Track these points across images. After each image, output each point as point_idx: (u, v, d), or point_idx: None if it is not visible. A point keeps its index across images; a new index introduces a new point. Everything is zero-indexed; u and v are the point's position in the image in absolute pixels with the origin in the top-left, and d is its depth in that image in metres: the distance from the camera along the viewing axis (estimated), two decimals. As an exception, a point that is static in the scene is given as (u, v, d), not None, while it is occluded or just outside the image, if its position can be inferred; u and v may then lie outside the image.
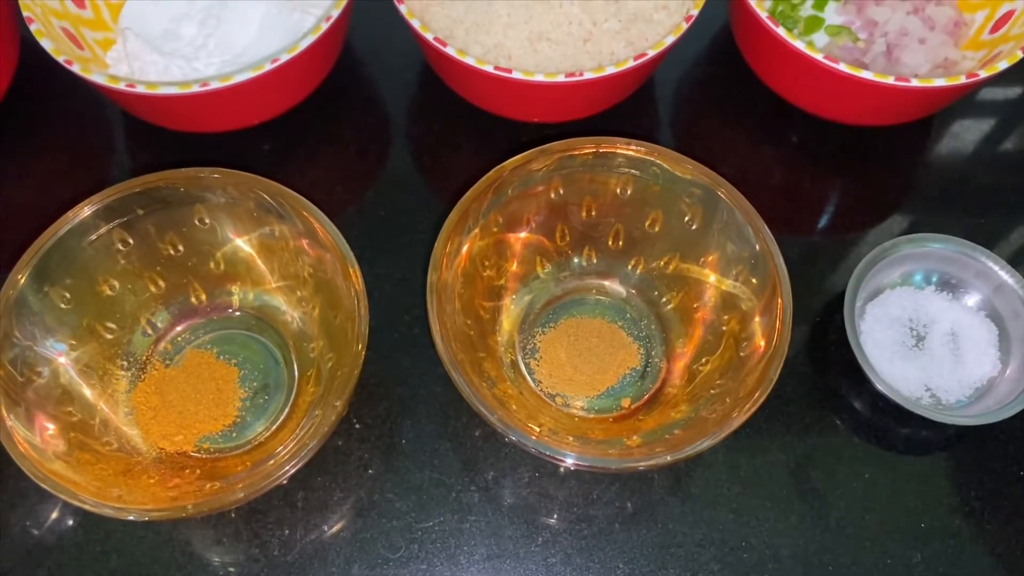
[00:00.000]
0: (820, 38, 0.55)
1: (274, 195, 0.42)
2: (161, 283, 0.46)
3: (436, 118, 0.54)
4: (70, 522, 0.43)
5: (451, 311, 0.41)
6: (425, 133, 0.54)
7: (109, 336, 0.44)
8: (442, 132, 0.54)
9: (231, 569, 0.43)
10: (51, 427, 0.40)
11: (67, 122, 0.54)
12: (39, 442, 0.38)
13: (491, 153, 0.50)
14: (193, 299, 0.47)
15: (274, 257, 0.45)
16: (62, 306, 0.42)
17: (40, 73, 0.54)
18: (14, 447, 0.37)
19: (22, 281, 0.40)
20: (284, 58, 0.45)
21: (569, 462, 0.38)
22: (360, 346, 0.39)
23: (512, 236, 0.46)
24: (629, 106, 0.53)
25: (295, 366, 0.46)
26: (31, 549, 0.43)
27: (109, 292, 0.44)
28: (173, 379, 0.45)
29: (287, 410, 0.45)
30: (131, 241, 0.43)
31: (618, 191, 0.45)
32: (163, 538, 0.43)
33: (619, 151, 0.43)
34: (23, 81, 0.53)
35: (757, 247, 0.42)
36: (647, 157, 0.43)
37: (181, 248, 0.45)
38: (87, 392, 0.43)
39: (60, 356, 0.42)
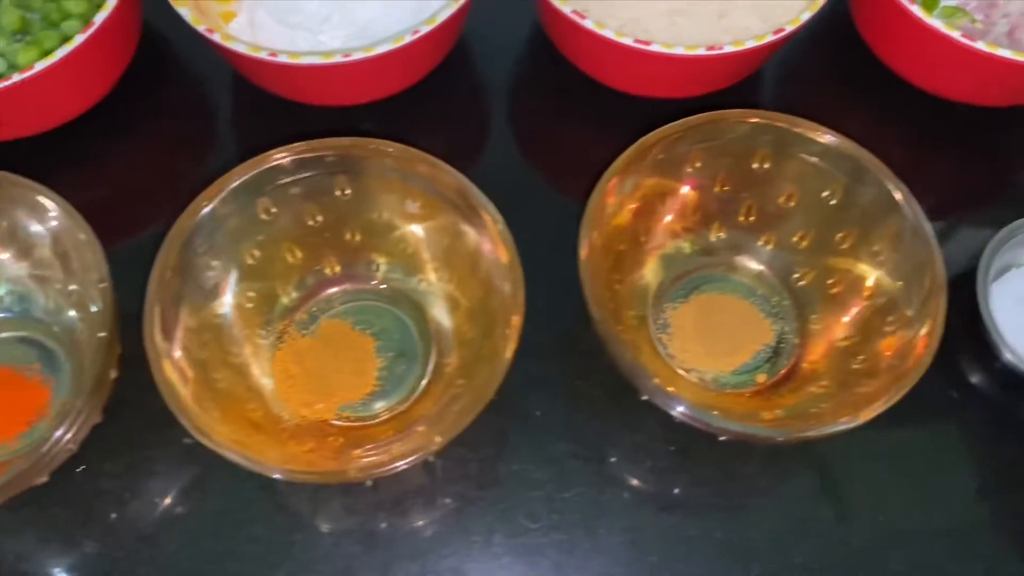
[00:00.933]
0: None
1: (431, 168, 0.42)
2: (298, 253, 0.46)
3: (553, 94, 0.55)
4: (210, 490, 0.44)
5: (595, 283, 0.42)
6: (542, 110, 0.55)
7: (250, 306, 0.45)
8: (562, 109, 0.54)
9: (371, 538, 0.43)
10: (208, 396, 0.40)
11: (187, 95, 0.55)
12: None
13: (616, 132, 0.50)
14: (328, 270, 0.47)
15: (421, 231, 0.45)
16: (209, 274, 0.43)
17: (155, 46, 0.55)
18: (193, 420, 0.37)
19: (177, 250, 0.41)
20: (424, 30, 0.45)
21: (717, 425, 0.38)
22: (510, 327, 0.39)
23: (649, 210, 0.46)
24: (744, 85, 0.53)
25: (432, 338, 0.46)
26: (174, 518, 0.43)
27: (251, 261, 0.44)
28: (311, 348, 0.45)
29: (425, 381, 0.45)
30: (274, 209, 0.44)
31: (755, 165, 0.45)
32: (301, 506, 0.44)
33: (767, 123, 0.43)
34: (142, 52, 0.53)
35: (903, 223, 0.42)
36: (791, 129, 0.43)
37: (320, 218, 0.45)
38: (234, 361, 0.43)
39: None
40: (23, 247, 0.44)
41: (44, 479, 0.39)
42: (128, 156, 0.53)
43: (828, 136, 0.43)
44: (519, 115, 0.55)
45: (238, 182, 0.41)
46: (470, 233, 0.42)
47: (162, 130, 0.54)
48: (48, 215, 0.41)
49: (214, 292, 0.43)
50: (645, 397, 0.39)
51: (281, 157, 0.42)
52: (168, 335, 0.39)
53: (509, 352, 0.38)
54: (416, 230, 0.45)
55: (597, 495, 0.44)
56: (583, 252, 0.40)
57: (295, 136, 0.43)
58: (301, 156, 0.42)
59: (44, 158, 0.50)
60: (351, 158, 0.43)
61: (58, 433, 0.37)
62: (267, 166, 0.42)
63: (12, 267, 0.44)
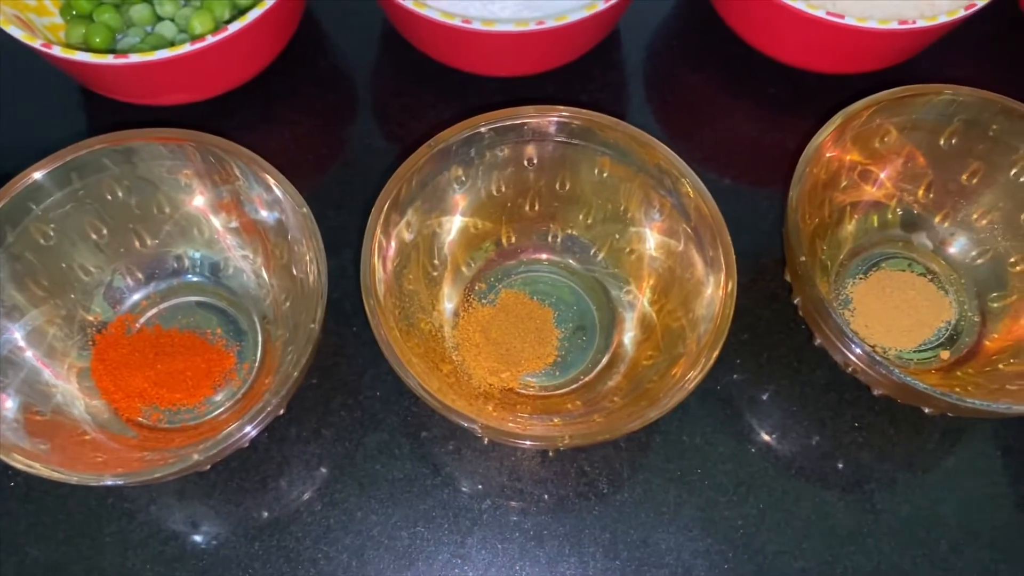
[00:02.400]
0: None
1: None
2: (480, 224, 0.46)
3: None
4: (400, 455, 0.44)
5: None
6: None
7: (435, 273, 0.45)
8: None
9: (564, 502, 0.43)
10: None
11: (345, 63, 0.55)
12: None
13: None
14: (504, 240, 0.47)
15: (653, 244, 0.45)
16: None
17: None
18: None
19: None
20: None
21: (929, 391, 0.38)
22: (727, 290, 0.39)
23: (835, 184, 0.45)
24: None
25: (610, 310, 0.46)
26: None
27: (436, 229, 0.44)
28: (493, 317, 0.45)
29: (608, 354, 0.45)
30: (465, 179, 0.44)
31: (942, 142, 0.45)
32: (490, 472, 0.44)
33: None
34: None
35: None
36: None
37: (504, 189, 0.45)
38: (425, 327, 0.43)
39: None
40: (235, 217, 0.44)
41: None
42: (295, 120, 0.53)
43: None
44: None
45: (440, 147, 0.41)
46: (697, 287, 0.41)
47: (323, 96, 0.53)
48: (271, 193, 0.41)
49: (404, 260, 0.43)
50: (850, 364, 0.39)
51: (486, 124, 0.41)
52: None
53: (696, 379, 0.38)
54: (650, 242, 0.44)
55: (784, 469, 0.44)
56: (792, 212, 0.40)
57: (456, 103, 0.42)
58: (501, 124, 0.42)
59: (219, 121, 0.50)
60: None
61: (273, 400, 0.37)
62: (468, 133, 0.41)
63: (220, 234, 0.45)
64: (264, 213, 0.42)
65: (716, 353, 0.38)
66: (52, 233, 0.42)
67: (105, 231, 0.43)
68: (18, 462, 0.36)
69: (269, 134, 0.51)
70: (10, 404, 0.39)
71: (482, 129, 0.42)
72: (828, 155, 0.43)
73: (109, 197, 0.42)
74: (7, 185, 0.39)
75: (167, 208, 0.44)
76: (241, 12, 0.51)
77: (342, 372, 0.45)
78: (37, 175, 0.40)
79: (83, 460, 0.39)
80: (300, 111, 0.52)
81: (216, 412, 0.43)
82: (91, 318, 0.44)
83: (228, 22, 0.50)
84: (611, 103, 0.54)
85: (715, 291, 0.40)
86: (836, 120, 0.42)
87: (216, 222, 0.44)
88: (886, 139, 0.45)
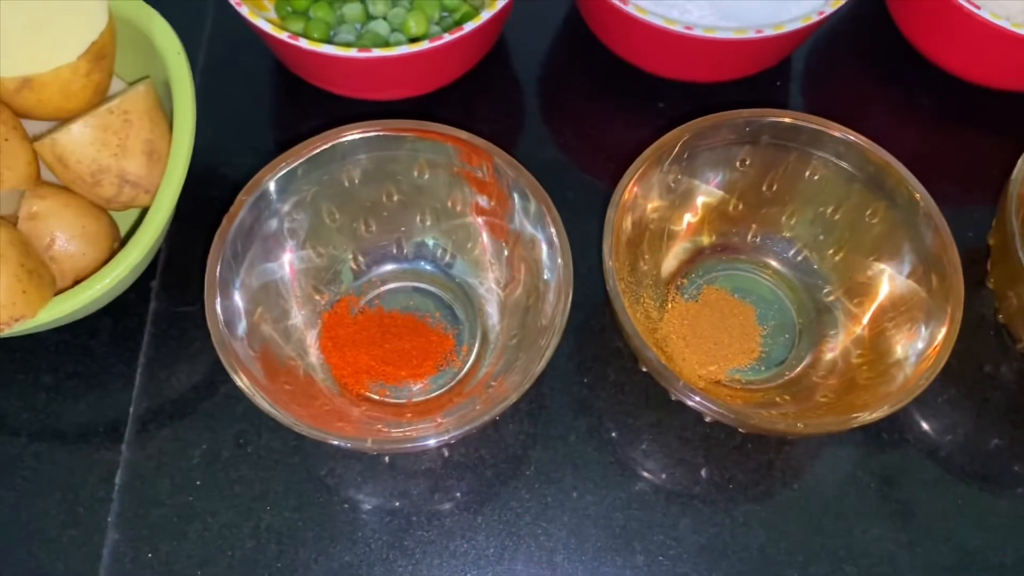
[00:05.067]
0: None
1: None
2: (681, 227, 0.48)
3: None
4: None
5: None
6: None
7: (645, 267, 0.47)
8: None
9: (751, 491, 0.45)
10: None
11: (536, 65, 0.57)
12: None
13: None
14: (705, 240, 0.49)
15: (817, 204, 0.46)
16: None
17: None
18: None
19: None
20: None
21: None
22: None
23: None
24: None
25: (808, 310, 0.47)
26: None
27: (652, 227, 0.46)
28: (697, 312, 0.47)
29: (810, 354, 0.46)
30: (679, 180, 0.46)
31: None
32: (700, 452, 0.46)
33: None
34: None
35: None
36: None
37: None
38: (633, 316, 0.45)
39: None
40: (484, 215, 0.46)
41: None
42: (492, 119, 0.55)
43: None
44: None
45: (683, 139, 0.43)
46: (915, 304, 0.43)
47: (518, 97, 0.56)
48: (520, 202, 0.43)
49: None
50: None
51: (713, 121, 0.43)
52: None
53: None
54: (873, 255, 0.45)
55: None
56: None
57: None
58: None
59: (427, 115, 0.52)
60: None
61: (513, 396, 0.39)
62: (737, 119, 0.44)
63: (463, 229, 0.47)
64: (510, 219, 0.44)
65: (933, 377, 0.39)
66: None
67: (339, 215, 0.46)
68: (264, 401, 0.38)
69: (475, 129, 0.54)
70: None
71: (732, 123, 0.44)
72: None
73: (346, 183, 0.45)
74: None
75: (397, 196, 0.46)
76: (447, 10, 0.53)
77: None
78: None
79: (323, 420, 0.41)
80: (497, 110, 0.55)
81: (439, 391, 0.45)
82: (317, 297, 0.46)
83: (439, 23, 0.53)
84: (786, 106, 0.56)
85: (939, 316, 0.41)
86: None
87: (454, 218, 0.46)
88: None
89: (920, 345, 0.41)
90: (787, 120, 0.43)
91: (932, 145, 0.54)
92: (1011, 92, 0.53)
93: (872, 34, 0.57)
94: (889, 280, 0.44)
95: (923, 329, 0.42)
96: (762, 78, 0.54)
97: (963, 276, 0.41)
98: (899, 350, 0.42)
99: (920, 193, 0.42)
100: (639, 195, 0.43)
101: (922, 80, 0.55)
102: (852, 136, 0.43)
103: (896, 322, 0.43)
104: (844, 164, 0.44)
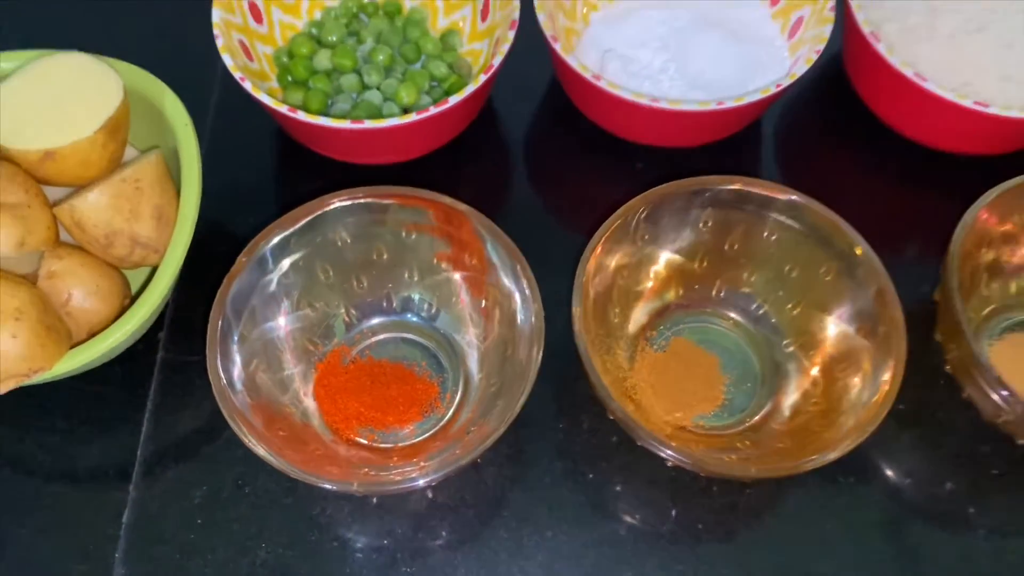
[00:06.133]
0: None
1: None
2: (648, 284, 0.51)
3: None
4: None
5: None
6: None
7: (616, 320, 0.50)
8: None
9: (717, 531, 0.48)
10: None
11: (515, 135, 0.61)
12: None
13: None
14: (672, 295, 0.52)
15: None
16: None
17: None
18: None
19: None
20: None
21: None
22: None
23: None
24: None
25: (767, 360, 0.51)
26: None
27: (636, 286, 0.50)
28: (665, 362, 0.50)
29: (771, 402, 0.50)
30: (644, 241, 0.49)
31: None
32: (666, 495, 0.49)
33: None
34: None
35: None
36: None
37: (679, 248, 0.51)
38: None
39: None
40: (464, 271, 0.50)
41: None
42: (479, 180, 0.59)
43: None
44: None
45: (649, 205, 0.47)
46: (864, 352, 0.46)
47: (503, 161, 0.60)
48: (502, 262, 0.47)
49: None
50: (1001, 414, 0.44)
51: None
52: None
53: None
54: (827, 309, 0.49)
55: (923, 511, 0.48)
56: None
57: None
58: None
59: (418, 177, 0.56)
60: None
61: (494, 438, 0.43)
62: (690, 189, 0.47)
63: (444, 284, 0.51)
64: (491, 274, 0.48)
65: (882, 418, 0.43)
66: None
67: (332, 273, 0.49)
68: (260, 449, 0.41)
69: (456, 194, 0.58)
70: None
71: (692, 191, 0.48)
72: (980, 227, 0.48)
73: (338, 243, 0.49)
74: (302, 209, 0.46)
75: (386, 255, 0.50)
76: (436, 80, 0.58)
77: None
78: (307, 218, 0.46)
79: (314, 464, 0.44)
80: (483, 173, 0.59)
81: (424, 436, 0.49)
82: (312, 347, 0.50)
83: (428, 92, 0.57)
84: (750, 169, 0.60)
85: (886, 362, 0.44)
86: (990, 195, 0.47)
87: (437, 274, 0.50)
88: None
89: (867, 394, 0.45)
90: (736, 187, 0.47)
91: (891, 204, 0.58)
92: (963, 154, 0.57)
93: (835, 100, 0.61)
94: (840, 333, 0.48)
95: (870, 379, 0.45)
96: (735, 140, 0.58)
97: (918, 328, 0.45)
98: (849, 399, 0.46)
99: (863, 249, 0.46)
100: (606, 259, 0.47)
101: (881, 143, 0.59)
102: (799, 198, 0.47)
103: (846, 372, 0.46)
104: (796, 224, 0.48)
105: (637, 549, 0.47)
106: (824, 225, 0.47)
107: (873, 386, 0.44)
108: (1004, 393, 0.44)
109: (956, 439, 0.50)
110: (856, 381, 0.46)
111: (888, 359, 0.44)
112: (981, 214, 0.47)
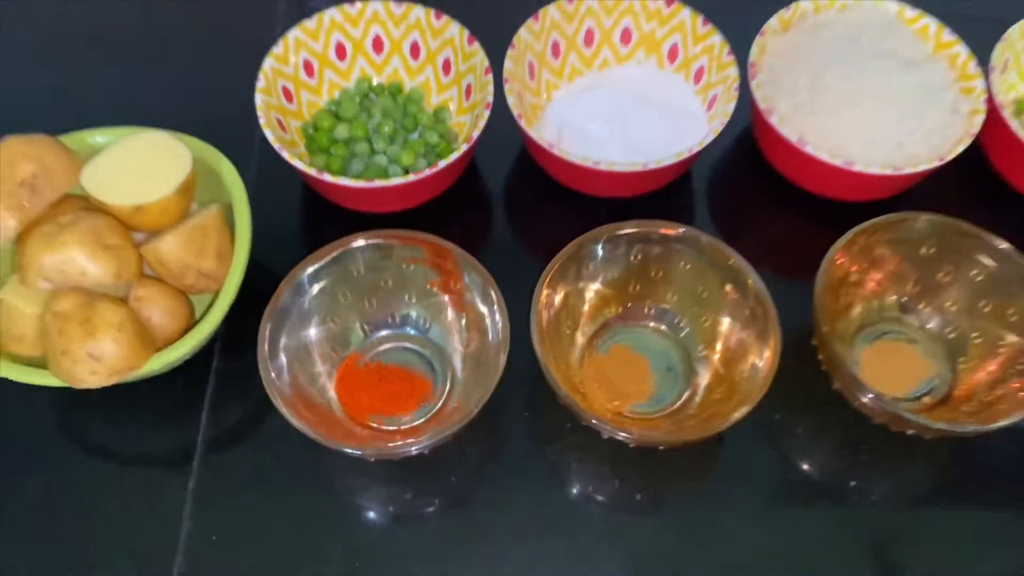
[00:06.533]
0: None
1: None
2: (593, 304, 0.66)
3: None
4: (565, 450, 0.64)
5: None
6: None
7: (568, 332, 0.65)
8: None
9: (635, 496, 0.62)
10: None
11: (498, 189, 0.76)
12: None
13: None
14: (614, 309, 0.67)
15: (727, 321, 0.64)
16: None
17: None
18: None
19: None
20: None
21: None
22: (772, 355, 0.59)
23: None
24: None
25: (686, 361, 0.65)
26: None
27: (581, 305, 0.65)
28: (606, 363, 0.65)
29: (688, 392, 0.64)
30: (594, 269, 0.64)
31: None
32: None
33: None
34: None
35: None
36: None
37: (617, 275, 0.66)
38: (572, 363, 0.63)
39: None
40: (448, 294, 0.65)
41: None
42: (464, 224, 0.74)
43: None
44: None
45: (579, 247, 0.62)
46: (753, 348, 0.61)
47: (482, 210, 0.75)
48: (475, 282, 0.62)
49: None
50: (856, 401, 0.58)
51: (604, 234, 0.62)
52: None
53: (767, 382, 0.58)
54: (725, 319, 0.64)
55: (809, 488, 0.63)
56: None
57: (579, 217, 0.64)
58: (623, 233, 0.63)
59: (416, 222, 0.71)
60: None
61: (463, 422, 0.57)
62: (606, 237, 0.62)
63: (437, 305, 0.66)
64: (469, 298, 0.63)
65: (764, 393, 0.57)
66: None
67: (349, 296, 0.64)
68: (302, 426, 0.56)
69: (445, 235, 0.73)
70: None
71: (619, 233, 0.63)
72: (839, 260, 0.63)
73: (354, 274, 0.64)
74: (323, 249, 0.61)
75: (391, 282, 0.65)
76: (429, 147, 0.73)
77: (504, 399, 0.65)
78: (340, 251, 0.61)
79: (337, 438, 0.59)
80: (467, 222, 0.74)
81: (420, 420, 0.63)
82: (334, 354, 0.65)
83: (424, 155, 0.73)
84: (682, 216, 0.75)
85: (765, 353, 0.59)
86: (847, 236, 0.62)
87: (431, 297, 0.65)
88: (881, 249, 0.65)
89: (753, 375, 0.59)
90: (657, 230, 0.62)
91: (786, 237, 0.73)
92: (840, 200, 0.72)
93: (748, 159, 0.77)
94: (735, 335, 0.62)
95: (756, 365, 0.60)
96: (669, 190, 0.73)
97: (801, 335, 0.59)
98: (742, 382, 0.60)
99: (752, 280, 0.60)
100: (554, 288, 0.62)
101: (779, 191, 0.74)
102: (705, 237, 0.62)
103: (740, 363, 0.61)
104: (704, 257, 0.63)
105: (587, 510, 0.62)
106: (720, 254, 0.62)
107: (757, 370, 0.59)
108: (864, 388, 0.59)
109: (828, 420, 0.65)
110: (746, 367, 0.60)
111: (766, 349, 0.59)
112: (837, 256, 0.62)
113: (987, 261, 0.63)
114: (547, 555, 0.60)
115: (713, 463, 0.64)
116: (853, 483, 0.63)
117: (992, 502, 0.63)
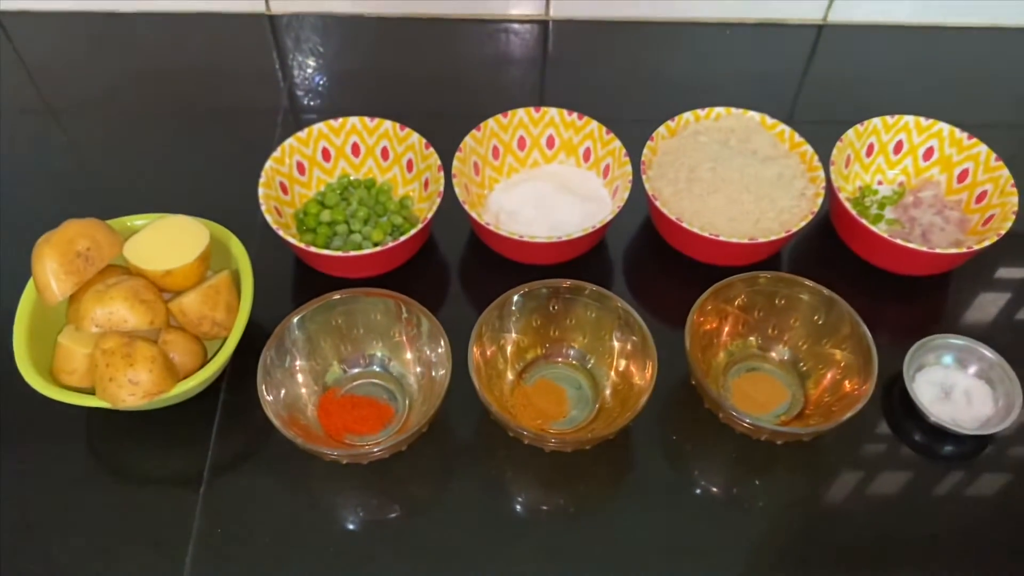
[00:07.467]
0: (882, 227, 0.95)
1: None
2: (526, 341, 0.84)
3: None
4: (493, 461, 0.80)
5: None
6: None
7: (501, 367, 0.83)
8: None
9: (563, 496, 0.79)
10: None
11: (451, 259, 0.95)
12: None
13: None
14: (538, 351, 0.85)
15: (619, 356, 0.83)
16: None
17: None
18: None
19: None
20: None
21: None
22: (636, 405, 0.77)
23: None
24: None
25: (595, 388, 0.83)
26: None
27: (508, 346, 0.83)
28: (532, 392, 0.83)
29: (595, 411, 0.82)
30: (519, 317, 0.83)
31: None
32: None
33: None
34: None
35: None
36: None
37: (539, 322, 0.84)
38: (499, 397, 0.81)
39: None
40: (408, 339, 0.83)
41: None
42: (422, 288, 0.92)
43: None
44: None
45: (514, 298, 0.80)
46: (637, 371, 0.80)
47: (439, 274, 0.94)
48: (428, 331, 0.80)
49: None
50: (724, 416, 0.76)
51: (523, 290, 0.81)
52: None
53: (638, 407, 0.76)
54: (617, 350, 0.82)
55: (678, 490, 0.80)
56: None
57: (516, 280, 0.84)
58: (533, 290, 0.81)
59: (385, 282, 0.89)
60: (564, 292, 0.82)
61: (415, 434, 0.74)
62: (520, 293, 0.81)
63: (398, 347, 0.83)
64: (422, 341, 0.81)
65: (643, 403, 0.75)
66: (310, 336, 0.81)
67: (329, 341, 0.82)
68: (294, 438, 0.73)
69: (408, 292, 0.91)
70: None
71: (541, 290, 0.81)
72: (699, 319, 0.81)
73: (333, 323, 0.82)
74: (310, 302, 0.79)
75: (361, 329, 0.83)
76: (395, 227, 0.92)
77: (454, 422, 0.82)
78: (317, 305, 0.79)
79: (319, 443, 0.76)
80: (426, 283, 0.93)
81: (383, 438, 0.80)
82: (315, 387, 0.82)
83: (391, 234, 0.92)
84: (600, 278, 0.94)
85: (646, 373, 0.77)
86: (708, 292, 0.80)
87: (393, 340, 0.83)
88: (729, 307, 0.83)
89: (639, 388, 0.77)
90: (566, 284, 0.81)
91: (673, 294, 0.91)
92: (716, 265, 0.91)
93: (646, 233, 0.96)
94: (625, 362, 0.80)
95: (639, 384, 0.77)
96: (588, 258, 0.92)
97: (681, 369, 0.79)
98: (632, 395, 0.78)
99: (634, 318, 0.79)
100: (486, 336, 0.80)
101: (670, 258, 0.93)
102: (605, 291, 0.80)
103: (629, 382, 0.79)
104: (604, 306, 0.81)
105: (524, 513, 0.78)
106: (611, 302, 0.80)
107: (640, 387, 0.77)
108: (728, 406, 0.77)
109: (702, 432, 0.82)
110: (632, 386, 0.78)
111: (646, 370, 0.76)
112: (696, 316, 0.80)
113: (817, 303, 0.82)
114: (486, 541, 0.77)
115: (621, 473, 0.81)
116: (735, 489, 0.80)
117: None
